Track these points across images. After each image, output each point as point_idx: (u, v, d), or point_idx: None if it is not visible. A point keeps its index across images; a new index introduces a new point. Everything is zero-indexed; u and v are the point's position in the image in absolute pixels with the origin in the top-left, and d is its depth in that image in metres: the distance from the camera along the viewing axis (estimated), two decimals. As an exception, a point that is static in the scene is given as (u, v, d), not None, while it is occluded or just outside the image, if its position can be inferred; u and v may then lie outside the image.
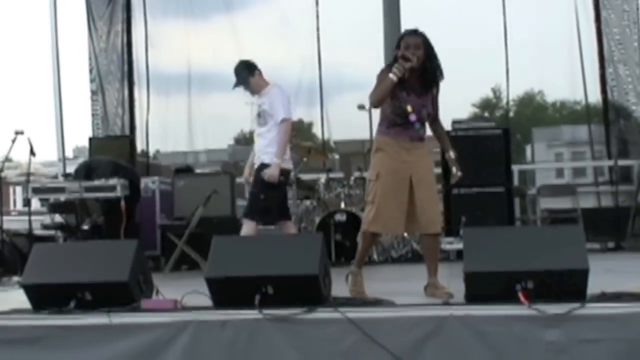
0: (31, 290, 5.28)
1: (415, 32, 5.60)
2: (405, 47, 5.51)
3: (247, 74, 7.29)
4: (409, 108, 5.52)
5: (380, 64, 13.83)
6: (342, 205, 9.28)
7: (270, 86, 7.35)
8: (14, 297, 6.13)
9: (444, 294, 5.22)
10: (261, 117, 7.21)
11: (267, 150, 7.15)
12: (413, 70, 5.46)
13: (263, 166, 7.14)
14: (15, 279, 7.46)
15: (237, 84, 7.36)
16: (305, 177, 10.23)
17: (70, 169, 9.81)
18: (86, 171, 8.81)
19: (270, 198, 7.16)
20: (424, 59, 5.50)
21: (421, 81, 5.57)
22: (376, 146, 5.71)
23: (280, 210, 7.39)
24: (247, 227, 7.16)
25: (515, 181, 10.37)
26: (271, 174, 7.06)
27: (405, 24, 13.21)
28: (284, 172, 7.23)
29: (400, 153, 5.56)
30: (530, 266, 4.65)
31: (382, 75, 5.55)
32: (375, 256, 9.00)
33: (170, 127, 12.71)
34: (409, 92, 5.54)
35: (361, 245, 5.88)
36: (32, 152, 8.37)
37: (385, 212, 5.51)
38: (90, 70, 12.03)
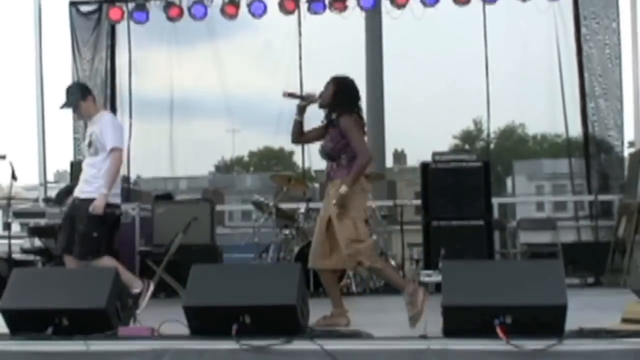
0: (9, 315, 5.25)
1: (332, 79, 6.17)
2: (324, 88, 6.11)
3: (79, 96, 6.85)
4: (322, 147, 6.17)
5: (361, 93, 14.01)
6: (322, 235, 9.25)
7: (101, 114, 7.00)
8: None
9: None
10: (92, 146, 6.77)
11: (93, 181, 6.72)
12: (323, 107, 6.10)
13: (87, 201, 6.66)
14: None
15: (65, 105, 6.90)
16: (284, 206, 10.23)
17: (52, 193, 9.78)
18: (67, 195, 8.78)
19: (102, 235, 6.75)
20: (327, 99, 6.08)
21: (328, 119, 6.12)
22: None
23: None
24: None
25: (495, 214, 10.42)
26: (96, 205, 6.58)
27: (387, 55, 13.42)
28: (111, 206, 6.75)
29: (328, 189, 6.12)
30: (509, 301, 4.67)
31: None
32: (353, 287, 8.99)
33: (152, 153, 12.70)
34: (327, 130, 6.10)
35: None
36: (13, 176, 8.33)
37: (312, 247, 6.23)
38: (73, 95, 12.02)
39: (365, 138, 6.17)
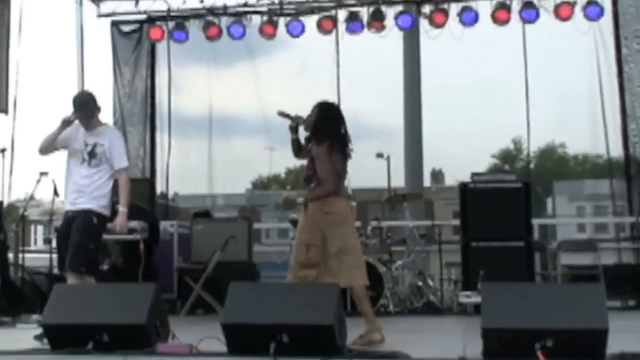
0: (50, 330, 5.31)
1: (317, 105, 6.37)
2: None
3: (94, 107, 6.66)
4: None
5: (399, 112, 14.02)
6: (359, 254, 9.23)
7: (107, 127, 6.85)
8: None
9: None
10: (95, 157, 6.56)
11: (96, 195, 6.54)
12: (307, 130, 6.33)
13: (90, 213, 6.52)
14: (35, 317, 7.48)
15: (83, 116, 6.57)
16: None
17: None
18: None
19: (98, 249, 6.69)
20: (311, 124, 6.29)
21: (306, 144, 6.38)
22: None
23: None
24: (77, 282, 6.45)
25: (536, 235, 10.32)
26: (122, 224, 6.59)
27: (425, 75, 13.41)
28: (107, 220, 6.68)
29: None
30: (550, 324, 4.61)
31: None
32: (391, 307, 8.95)
33: (190, 170, 12.80)
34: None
35: None
36: (55, 193, 8.42)
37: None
38: (114, 113, 12.19)
39: (345, 160, 6.37)
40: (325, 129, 6.26)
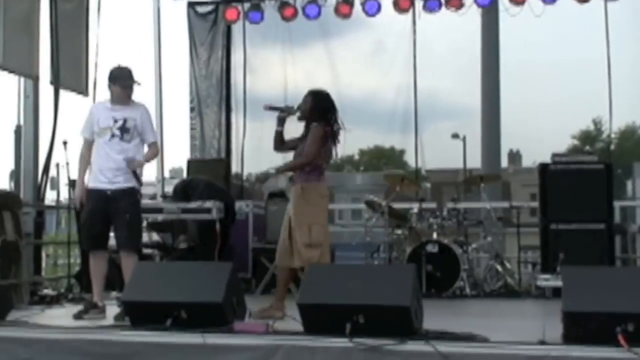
0: (130, 307, 5.43)
1: (310, 93, 6.66)
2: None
3: (133, 81, 6.74)
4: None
5: (476, 94, 13.84)
6: (435, 235, 9.18)
7: (138, 103, 6.83)
8: (112, 312, 6.31)
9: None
10: (128, 132, 6.60)
11: (123, 169, 6.55)
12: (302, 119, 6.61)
13: (134, 191, 6.62)
14: (114, 294, 7.64)
15: (131, 85, 6.70)
16: (397, 206, 10.18)
17: (168, 189, 10.01)
18: (184, 190, 8.98)
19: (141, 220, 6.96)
20: (309, 111, 6.55)
21: (306, 130, 6.62)
22: None
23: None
24: (135, 259, 6.57)
25: (616, 218, 10.08)
26: (136, 163, 6.61)
27: (504, 54, 13.19)
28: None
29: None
30: (631, 308, 4.52)
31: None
32: (467, 290, 8.87)
33: (265, 151, 12.82)
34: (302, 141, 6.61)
35: None
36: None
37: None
38: (190, 94, 12.31)
39: (335, 149, 6.65)
40: (325, 112, 6.53)
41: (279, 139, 6.76)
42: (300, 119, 6.65)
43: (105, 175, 6.58)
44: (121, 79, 6.70)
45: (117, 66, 6.82)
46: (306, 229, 6.38)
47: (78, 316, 6.38)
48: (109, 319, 6.19)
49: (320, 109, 6.56)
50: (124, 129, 6.59)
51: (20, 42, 8.76)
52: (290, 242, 6.47)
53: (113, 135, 6.58)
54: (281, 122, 6.70)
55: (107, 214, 6.58)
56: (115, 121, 6.60)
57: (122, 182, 6.56)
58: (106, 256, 6.75)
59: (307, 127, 6.61)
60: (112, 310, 6.40)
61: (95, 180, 6.65)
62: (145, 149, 6.81)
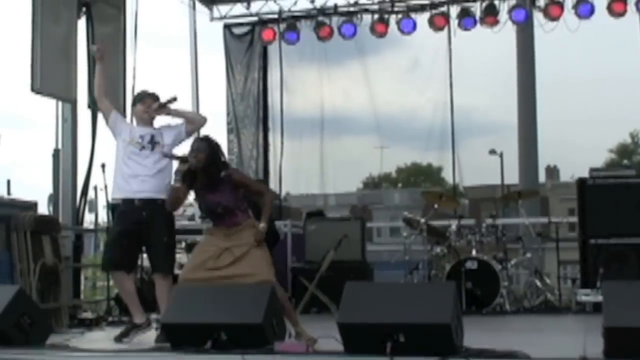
0: (170, 329, 5.45)
1: (201, 139, 6.27)
2: (190, 151, 6.11)
3: (155, 100, 6.70)
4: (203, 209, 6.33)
5: (513, 109, 13.78)
6: (474, 252, 9.14)
7: (163, 125, 6.82)
8: (152, 335, 6.35)
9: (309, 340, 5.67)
10: (159, 144, 6.58)
11: (163, 184, 6.48)
12: (200, 171, 6.06)
13: (154, 204, 6.45)
14: (153, 316, 7.68)
15: (149, 101, 6.67)
16: (435, 223, 10.16)
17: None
18: None
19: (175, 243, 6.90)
20: (206, 160, 6.05)
21: (208, 180, 6.09)
22: (205, 230, 6.62)
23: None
24: (170, 283, 6.51)
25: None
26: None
27: (540, 69, 13.16)
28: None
29: (220, 238, 6.11)
30: (674, 323, 4.46)
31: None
32: (507, 306, 8.81)
33: (302, 170, 12.90)
34: (205, 191, 6.13)
35: None
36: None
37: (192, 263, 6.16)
38: (227, 114, 12.42)
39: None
40: (220, 161, 6.19)
41: (178, 196, 6.19)
42: (196, 166, 6.04)
43: (132, 185, 6.50)
44: (139, 97, 6.80)
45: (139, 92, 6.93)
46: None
47: (118, 339, 6.40)
48: (150, 342, 6.23)
49: (218, 155, 6.20)
50: (153, 142, 6.60)
51: (57, 66, 8.87)
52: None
53: (143, 147, 6.57)
54: (181, 175, 6.07)
55: (138, 234, 6.50)
56: (142, 137, 6.60)
57: (150, 192, 6.48)
58: (125, 275, 6.63)
59: (208, 177, 6.08)
60: (151, 333, 6.44)
61: (120, 190, 6.61)
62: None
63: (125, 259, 6.56)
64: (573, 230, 10.56)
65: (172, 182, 6.11)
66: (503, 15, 10.88)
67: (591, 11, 10.56)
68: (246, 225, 6.13)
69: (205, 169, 6.06)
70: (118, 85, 10.02)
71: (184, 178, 6.05)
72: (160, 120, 6.85)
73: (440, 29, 11.22)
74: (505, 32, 11.23)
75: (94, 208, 10.72)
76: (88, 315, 8.47)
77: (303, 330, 6.07)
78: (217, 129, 12.66)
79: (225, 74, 12.47)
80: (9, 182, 9.86)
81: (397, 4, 11.42)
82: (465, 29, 11.09)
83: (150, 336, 6.33)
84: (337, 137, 13.23)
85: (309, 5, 11.72)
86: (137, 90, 10.08)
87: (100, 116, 9.43)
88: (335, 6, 11.60)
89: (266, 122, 12.40)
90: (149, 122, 6.73)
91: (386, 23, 11.37)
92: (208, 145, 6.14)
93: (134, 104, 6.85)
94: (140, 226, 6.48)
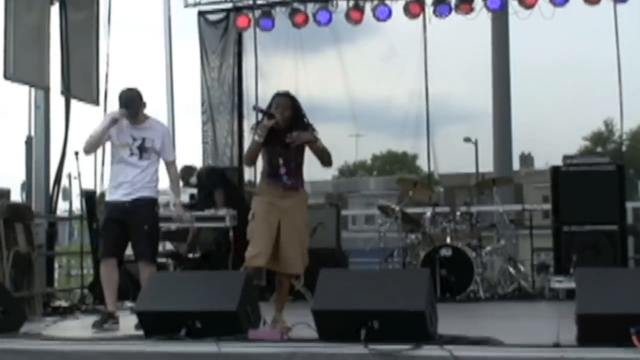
0: (144, 317, 5.43)
1: (286, 95, 6.16)
2: (275, 106, 6.05)
3: (139, 103, 6.72)
4: (280, 161, 6.09)
5: (488, 97, 13.83)
6: (448, 240, 9.18)
7: (153, 121, 6.86)
8: (126, 323, 6.33)
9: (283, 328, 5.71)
10: (147, 151, 6.68)
11: (151, 185, 6.71)
12: (281, 128, 5.97)
13: (152, 202, 6.71)
14: (128, 304, 7.67)
15: (128, 113, 6.64)
16: (410, 210, 10.18)
17: (181, 198, 10.02)
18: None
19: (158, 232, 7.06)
20: (291, 118, 6.02)
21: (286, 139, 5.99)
22: (256, 190, 6.36)
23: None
24: (153, 270, 6.63)
25: (629, 219, 10.05)
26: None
27: (515, 57, 13.18)
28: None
29: (273, 200, 6.06)
30: (646, 309, 4.51)
31: (253, 135, 6.11)
32: (481, 293, 8.86)
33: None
34: (280, 146, 6.03)
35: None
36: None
37: (259, 248, 5.95)
38: (202, 103, 12.36)
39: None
40: (304, 120, 6.16)
41: (258, 151, 6.12)
42: (280, 125, 6.00)
43: (123, 189, 6.68)
44: (120, 104, 6.74)
45: (121, 90, 6.88)
46: (307, 236, 6.33)
47: (97, 325, 6.41)
48: (124, 330, 6.20)
49: (302, 115, 6.17)
50: (142, 148, 6.68)
51: (30, 53, 8.80)
52: (276, 246, 6.06)
53: (132, 153, 6.67)
54: (266, 131, 5.97)
55: (124, 224, 6.64)
56: (134, 140, 6.68)
57: (139, 193, 6.65)
58: (117, 265, 6.74)
59: (286, 133, 6.01)
60: (127, 320, 6.42)
61: (113, 193, 6.76)
62: (162, 165, 6.90)
63: (117, 245, 6.68)
64: (547, 218, 10.63)
65: (256, 138, 6.00)
66: (478, 3, 10.88)
67: (566, -2, 10.60)
68: (302, 196, 6.23)
69: (290, 127, 6.02)
70: (91, 72, 9.95)
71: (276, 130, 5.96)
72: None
73: (416, 16, 11.20)
74: (481, 20, 11.25)
75: (68, 196, 10.63)
76: (62, 303, 8.43)
77: (280, 318, 6.08)
78: (191, 116, 12.61)
79: (200, 61, 12.39)
80: (-19, 169, 9.77)
81: (372, -10, 11.38)
82: (440, 16, 11.09)
83: (128, 323, 6.31)
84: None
85: (284, -8, 11.67)
86: (111, 76, 10.09)
87: (73, 103, 9.43)
88: (311, -7, 11.56)
89: (241, 109, 12.34)
90: (141, 121, 6.75)
91: (361, 10, 11.34)
92: (292, 102, 6.11)
93: (127, 105, 6.71)
94: (125, 215, 6.62)
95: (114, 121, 6.65)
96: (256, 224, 6.05)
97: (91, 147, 6.84)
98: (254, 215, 6.10)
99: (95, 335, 6.08)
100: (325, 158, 6.24)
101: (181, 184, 8.09)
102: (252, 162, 6.33)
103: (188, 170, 9.82)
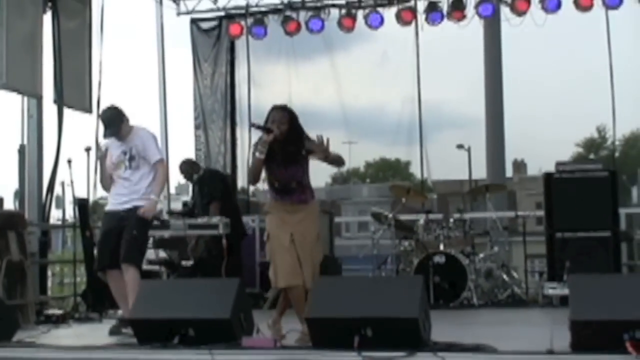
0: (137, 325, 5.42)
1: (282, 108, 6.05)
2: (272, 120, 5.94)
3: (119, 122, 6.76)
4: (284, 175, 5.99)
5: (480, 104, 13.88)
6: (441, 247, 9.18)
7: (137, 128, 6.91)
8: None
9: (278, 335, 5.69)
10: (134, 160, 6.75)
11: (143, 192, 6.72)
12: (278, 142, 5.86)
13: (133, 210, 6.71)
14: (120, 312, 7.64)
15: (110, 135, 6.75)
16: (403, 217, 10.18)
17: (175, 205, 10.02)
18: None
19: (146, 242, 7.04)
20: (288, 131, 5.90)
21: (284, 154, 5.93)
22: (266, 208, 6.26)
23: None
24: (134, 273, 6.58)
25: (622, 225, 10.07)
26: (148, 208, 6.67)
27: (507, 63, 13.23)
28: (155, 214, 7.01)
29: (283, 216, 5.99)
30: (639, 315, 4.51)
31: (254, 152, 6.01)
32: (475, 300, 8.86)
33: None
34: (277, 164, 5.95)
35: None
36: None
37: (282, 267, 5.85)
38: (195, 110, 12.36)
39: None
40: (302, 131, 6.04)
41: (261, 168, 5.98)
42: (279, 138, 5.88)
43: (120, 199, 6.78)
44: (103, 125, 6.85)
45: (102, 110, 6.99)
46: (319, 249, 6.20)
47: (115, 331, 6.47)
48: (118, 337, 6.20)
49: (299, 127, 6.04)
50: (131, 158, 6.79)
51: (23, 62, 8.80)
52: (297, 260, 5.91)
53: (126, 168, 6.79)
54: (267, 146, 5.85)
55: (120, 232, 6.68)
56: (125, 154, 6.80)
57: (134, 203, 6.71)
58: (120, 272, 6.71)
59: (284, 151, 5.92)
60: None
61: (111, 203, 6.87)
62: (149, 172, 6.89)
63: (114, 255, 6.66)
64: (540, 224, 10.64)
65: (258, 154, 5.89)
66: (470, 10, 10.90)
67: (558, 5, 10.62)
68: (311, 208, 6.10)
69: (287, 141, 5.91)
70: (84, 80, 9.94)
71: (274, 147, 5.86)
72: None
73: (408, 23, 11.22)
74: (473, 27, 11.27)
75: (61, 204, 10.62)
76: (55, 311, 8.40)
77: (279, 321, 6.06)
78: (184, 124, 12.60)
79: (193, 68, 12.40)
80: (-26, 178, 9.76)
81: (364, -2, 11.41)
82: (433, 23, 11.11)
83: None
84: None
85: (276, 0, 11.67)
86: (104, 84, 10.08)
87: (66, 111, 9.42)
88: (303, 1, 11.57)
89: (234, 117, 12.34)
90: (123, 139, 6.83)
91: (354, 17, 11.36)
92: (289, 115, 6.01)
93: (108, 126, 6.79)
94: (122, 222, 6.70)
95: (102, 157, 6.84)
96: (272, 246, 6.02)
97: (107, 185, 6.97)
98: (268, 235, 6.09)
99: (88, 343, 6.06)
100: (340, 163, 6.26)
101: (183, 179, 7.99)
102: (256, 180, 6.13)
103: (193, 165, 9.73)
